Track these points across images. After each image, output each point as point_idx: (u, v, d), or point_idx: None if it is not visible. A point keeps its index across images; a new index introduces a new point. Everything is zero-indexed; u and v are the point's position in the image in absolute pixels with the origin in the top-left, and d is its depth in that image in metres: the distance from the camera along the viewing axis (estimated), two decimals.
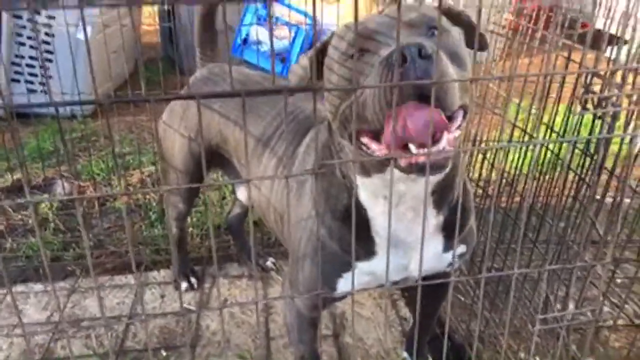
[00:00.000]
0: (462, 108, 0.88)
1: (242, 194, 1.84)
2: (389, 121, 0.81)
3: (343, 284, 1.14)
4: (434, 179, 1.01)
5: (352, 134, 0.81)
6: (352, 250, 0.88)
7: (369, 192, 1.04)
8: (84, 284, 1.93)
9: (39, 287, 1.91)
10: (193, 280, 1.94)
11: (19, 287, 1.91)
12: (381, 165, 0.96)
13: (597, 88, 1.24)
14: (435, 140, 0.81)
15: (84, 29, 0.69)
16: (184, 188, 1.72)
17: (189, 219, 2.08)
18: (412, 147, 0.82)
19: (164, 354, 1.64)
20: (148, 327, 1.74)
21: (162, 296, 1.89)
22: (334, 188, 1.10)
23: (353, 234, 0.82)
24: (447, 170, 0.88)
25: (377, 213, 1.06)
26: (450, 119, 0.86)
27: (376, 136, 0.88)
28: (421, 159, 0.81)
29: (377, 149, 0.89)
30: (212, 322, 1.77)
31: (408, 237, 1.07)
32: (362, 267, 1.11)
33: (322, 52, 1.00)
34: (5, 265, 2.02)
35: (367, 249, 1.10)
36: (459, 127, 0.88)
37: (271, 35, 0.72)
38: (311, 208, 1.15)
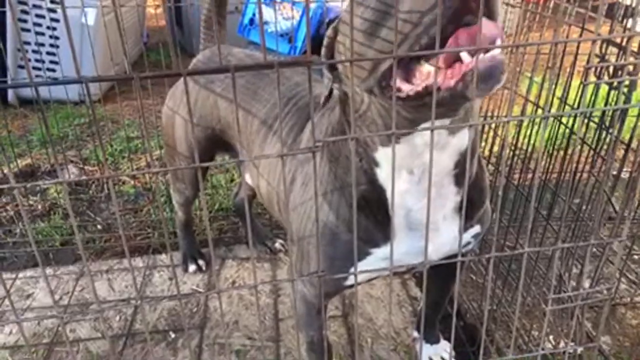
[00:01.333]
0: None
1: (250, 179, 1.82)
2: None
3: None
4: (459, 147, 0.94)
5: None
6: (358, 236, 0.82)
7: (391, 166, 0.98)
8: (93, 267, 1.93)
9: (48, 271, 1.91)
10: (201, 262, 1.93)
11: (29, 272, 1.92)
12: (417, 115, 0.84)
13: (612, 59, 1.18)
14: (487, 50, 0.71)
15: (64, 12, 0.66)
16: (187, 174, 1.70)
17: (196, 202, 2.07)
18: (464, 56, 0.72)
19: (173, 335, 1.63)
20: (157, 309, 1.73)
21: (171, 279, 1.88)
22: (348, 174, 1.03)
23: (354, 217, 0.78)
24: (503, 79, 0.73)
25: (396, 192, 0.97)
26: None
27: (406, 77, 0.80)
28: (475, 65, 0.69)
29: (410, 90, 0.79)
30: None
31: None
32: (378, 253, 1.06)
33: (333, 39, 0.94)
34: (15, 251, 2.03)
35: (384, 233, 1.04)
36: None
37: (260, 12, 0.68)
38: (319, 194, 1.08)
